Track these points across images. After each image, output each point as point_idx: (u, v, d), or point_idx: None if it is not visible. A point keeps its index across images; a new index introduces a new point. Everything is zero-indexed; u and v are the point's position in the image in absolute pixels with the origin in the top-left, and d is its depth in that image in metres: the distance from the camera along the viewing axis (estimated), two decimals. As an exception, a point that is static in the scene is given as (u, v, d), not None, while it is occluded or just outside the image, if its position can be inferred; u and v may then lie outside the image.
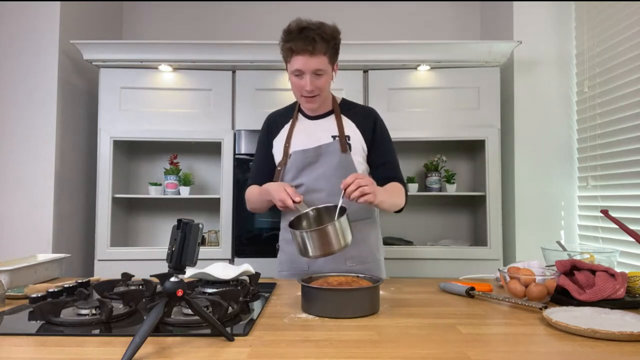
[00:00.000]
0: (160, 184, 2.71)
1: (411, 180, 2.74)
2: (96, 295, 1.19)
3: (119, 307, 1.04)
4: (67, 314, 0.99)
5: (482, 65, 2.60)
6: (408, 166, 2.88)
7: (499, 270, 1.24)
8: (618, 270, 1.17)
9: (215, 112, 2.61)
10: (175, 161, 2.74)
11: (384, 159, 1.58)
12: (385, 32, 3.21)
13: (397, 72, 2.62)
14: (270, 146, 1.63)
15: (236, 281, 1.30)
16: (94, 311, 0.98)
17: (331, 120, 1.58)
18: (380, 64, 2.58)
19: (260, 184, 1.56)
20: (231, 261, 2.55)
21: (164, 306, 0.84)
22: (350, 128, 1.56)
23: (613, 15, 2.20)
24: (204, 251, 2.48)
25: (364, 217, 1.58)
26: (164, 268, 0.97)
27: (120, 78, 2.58)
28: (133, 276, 1.35)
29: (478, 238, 2.77)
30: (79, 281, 1.26)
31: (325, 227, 1.19)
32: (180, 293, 0.85)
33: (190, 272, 1.27)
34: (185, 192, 2.67)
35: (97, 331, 0.91)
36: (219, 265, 1.38)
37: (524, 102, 2.64)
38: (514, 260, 2.54)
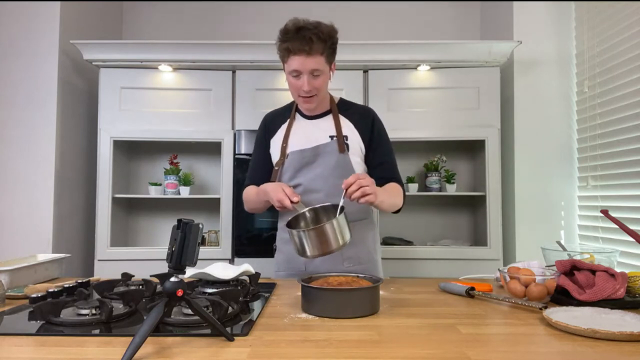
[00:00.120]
0: (160, 184, 2.71)
1: (411, 180, 2.74)
2: (96, 295, 1.19)
3: (119, 307, 1.04)
4: (67, 314, 0.99)
5: (482, 65, 2.60)
6: (408, 166, 2.88)
7: (499, 270, 1.24)
8: (618, 270, 1.17)
9: (215, 112, 2.61)
10: (175, 161, 2.74)
11: (381, 159, 1.57)
12: (385, 32, 3.21)
13: (397, 72, 2.62)
14: (268, 146, 1.62)
15: (236, 281, 1.30)
16: (94, 311, 0.98)
17: (329, 120, 1.57)
18: (380, 64, 2.58)
19: (258, 184, 1.56)
20: (231, 261, 2.55)
21: (164, 306, 0.84)
22: (348, 128, 1.56)
23: (613, 15, 2.20)
24: (204, 251, 2.48)
25: (361, 218, 1.58)
26: (164, 268, 0.97)
27: (120, 78, 2.58)
28: (133, 276, 1.35)
29: (478, 238, 2.77)
30: (79, 281, 1.26)
31: (322, 225, 1.18)
32: (180, 293, 0.85)
33: (190, 272, 1.27)
34: (185, 192, 2.67)
35: (97, 331, 0.91)
36: (219, 265, 1.37)
37: (524, 102, 2.64)
38: (514, 260, 2.54)
